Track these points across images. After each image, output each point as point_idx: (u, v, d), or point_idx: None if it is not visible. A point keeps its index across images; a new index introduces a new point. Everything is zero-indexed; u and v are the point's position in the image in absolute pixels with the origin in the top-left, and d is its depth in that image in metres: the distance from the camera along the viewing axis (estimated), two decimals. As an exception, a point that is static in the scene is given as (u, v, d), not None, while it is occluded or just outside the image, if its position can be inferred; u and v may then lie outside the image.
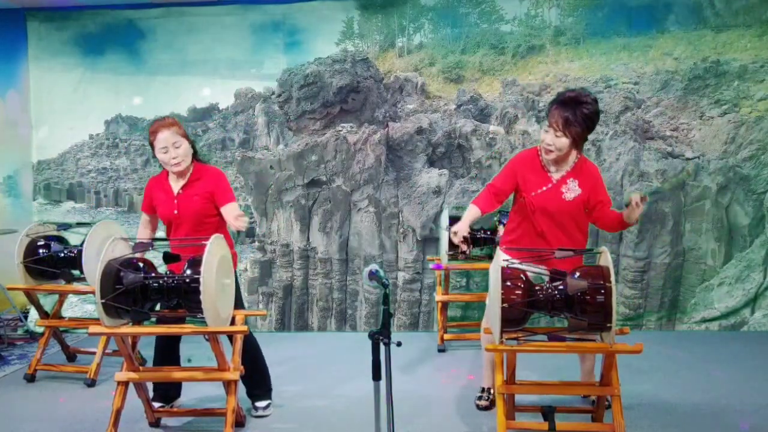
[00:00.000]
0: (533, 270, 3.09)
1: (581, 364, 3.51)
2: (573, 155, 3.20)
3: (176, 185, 3.36)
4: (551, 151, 3.13)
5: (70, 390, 4.12)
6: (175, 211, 3.32)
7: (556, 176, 3.21)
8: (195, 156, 3.40)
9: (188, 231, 3.32)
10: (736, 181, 5.36)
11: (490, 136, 5.53)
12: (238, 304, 3.30)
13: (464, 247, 4.63)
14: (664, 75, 5.43)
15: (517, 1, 5.51)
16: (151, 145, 3.33)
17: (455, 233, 3.17)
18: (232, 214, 3.24)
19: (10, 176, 6.06)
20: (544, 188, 3.20)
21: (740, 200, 5.38)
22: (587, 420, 3.29)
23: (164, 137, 3.25)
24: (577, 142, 3.13)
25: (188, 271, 2.93)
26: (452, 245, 4.63)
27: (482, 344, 3.61)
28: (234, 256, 3.39)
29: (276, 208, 5.73)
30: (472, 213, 3.27)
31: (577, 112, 3.05)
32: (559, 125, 3.06)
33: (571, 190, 3.17)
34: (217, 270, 2.90)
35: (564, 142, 3.09)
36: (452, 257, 4.69)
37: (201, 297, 2.80)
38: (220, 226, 3.37)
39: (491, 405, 3.55)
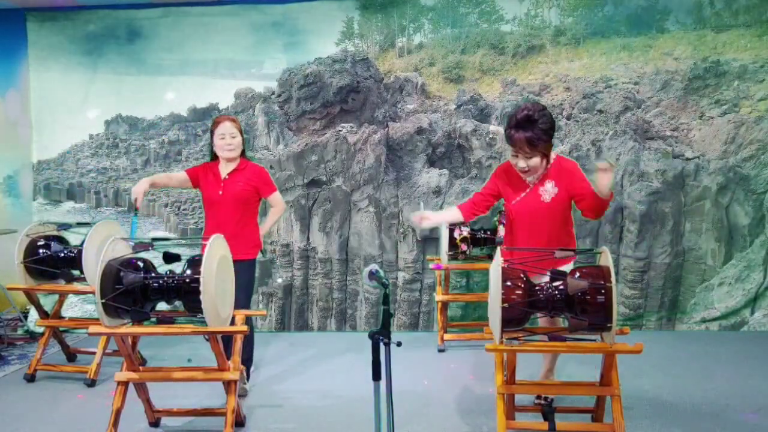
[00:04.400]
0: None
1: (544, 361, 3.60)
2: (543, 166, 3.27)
3: (224, 171, 3.85)
4: (527, 171, 3.20)
5: (70, 390, 4.11)
6: (220, 192, 3.79)
7: (533, 181, 3.27)
8: (243, 153, 3.91)
9: (229, 211, 3.79)
10: (736, 181, 5.36)
11: (490, 136, 5.53)
12: (249, 291, 3.83)
13: (464, 247, 4.66)
14: (664, 75, 5.43)
15: (517, 1, 5.51)
16: (211, 132, 3.85)
17: (421, 217, 3.32)
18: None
19: (10, 176, 6.06)
20: (523, 194, 3.28)
21: (740, 200, 5.38)
22: (587, 420, 3.29)
23: (225, 126, 3.79)
24: (547, 154, 3.19)
25: (188, 271, 2.93)
26: (452, 245, 4.67)
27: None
28: (258, 246, 3.93)
29: (276, 208, 5.73)
30: (449, 213, 3.53)
31: (536, 130, 3.09)
32: (525, 148, 3.11)
33: (548, 192, 3.23)
34: (217, 270, 2.90)
35: (536, 160, 3.15)
36: (452, 257, 4.70)
37: (201, 297, 2.80)
38: (255, 213, 3.93)
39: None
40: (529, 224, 3.26)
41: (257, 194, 3.91)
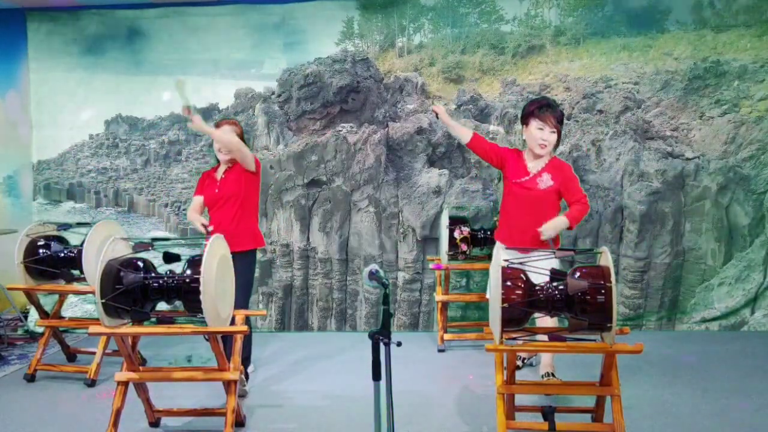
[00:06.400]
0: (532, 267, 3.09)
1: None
2: (548, 155, 3.72)
3: (220, 172, 3.98)
4: (545, 146, 3.64)
5: (70, 390, 4.12)
6: (216, 190, 3.91)
7: (533, 171, 3.70)
8: None
9: (226, 208, 3.87)
10: (736, 181, 5.36)
11: (490, 136, 5.52)
12: (247, 289, 3.85)
13: (464, 247, 4.66)
14: (664, 75, 5.43)
15: (517, 1, 5.51)
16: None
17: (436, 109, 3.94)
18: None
19: (10, 176, 6.06)
20: (524, 179, 3.70)
21: (740, 200, 5.38)
22: (587, 420, 3.29)
23: (221, 129, 3.88)
24: (559, 140, 3.69)
25: (188, 271, 2.93)
26: (452, 245, 4.67)
27: None
28: (257, 236, 3.98)
29: (276, 208, 5.73)
30: (463, 128, 3.95)
31: (559, 112, 3.65)
32: (553, 122, 3.61)
33: (544, 182, 3.66)
34: (217, 270, 2.90)
35: (554, 137, 3.63)
36: (452, 257, 4.70)
37: (201, 297, 2.80)
38: (255, 208, 4.02)
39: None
40: (523, 205, 3.68)
41: (254, 181, 3.95)
